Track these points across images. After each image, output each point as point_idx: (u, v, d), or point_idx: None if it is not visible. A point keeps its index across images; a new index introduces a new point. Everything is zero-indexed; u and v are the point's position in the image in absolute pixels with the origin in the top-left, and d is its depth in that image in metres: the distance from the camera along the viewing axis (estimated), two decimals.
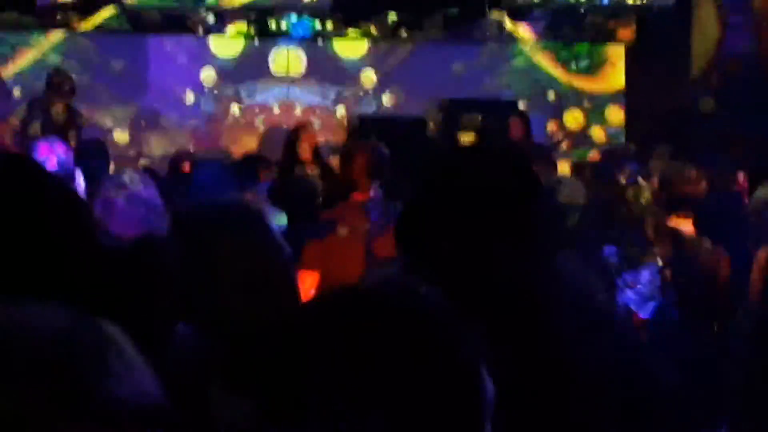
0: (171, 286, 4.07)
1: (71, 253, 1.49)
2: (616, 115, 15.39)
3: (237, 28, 14.67)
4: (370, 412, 1.42)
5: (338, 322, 1.51)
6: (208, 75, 14.85)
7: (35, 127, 10.76)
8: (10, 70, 14.23)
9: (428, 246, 2.37)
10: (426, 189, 2.47)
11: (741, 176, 8.94)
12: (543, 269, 2.35)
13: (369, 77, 15.18)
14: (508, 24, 14.97)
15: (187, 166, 9.75)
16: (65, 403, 0.87)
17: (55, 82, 11.18)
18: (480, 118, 12.55)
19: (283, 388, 1.46)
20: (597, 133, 15.36)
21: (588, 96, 15.50)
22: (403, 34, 14.99)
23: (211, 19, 14.42)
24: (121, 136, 14.56)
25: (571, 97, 15.46)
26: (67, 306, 0.95)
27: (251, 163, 9.02)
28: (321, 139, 11.84)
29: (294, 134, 10.23)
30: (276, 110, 15.01)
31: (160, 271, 4.09)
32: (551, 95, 15.45)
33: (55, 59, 14.05)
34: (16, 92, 13.99)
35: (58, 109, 11.01)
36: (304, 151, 9.92)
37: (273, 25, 14.74)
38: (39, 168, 1.62)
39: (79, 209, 1.55)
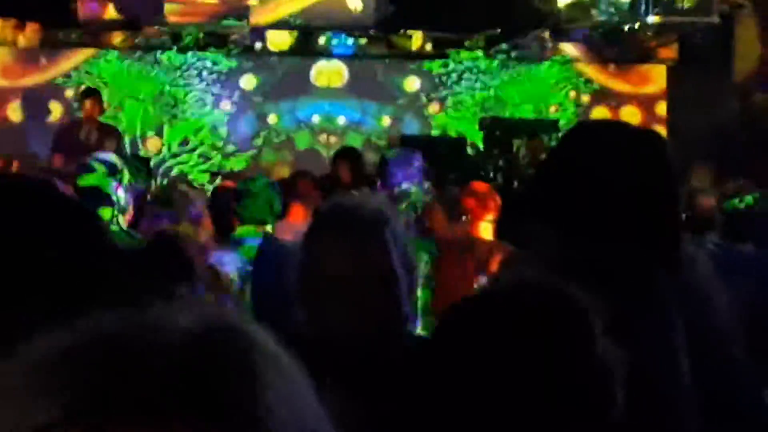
0: (188, 277, 4.09)
1: (85, 257, 1.50)
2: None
3: (277, 43, 14.73)
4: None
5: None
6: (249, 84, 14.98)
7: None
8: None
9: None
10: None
11: None
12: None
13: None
14: (551, 42, 14.95)
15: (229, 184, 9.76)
16: (212, 417, 0.78)
17: (85, 102, 11.26)
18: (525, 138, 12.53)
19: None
20: None
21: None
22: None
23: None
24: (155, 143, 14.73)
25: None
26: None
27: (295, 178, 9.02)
28: None
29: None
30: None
31: (176, 263, 4.13)
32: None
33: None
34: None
35: (88, 130, 11.08)
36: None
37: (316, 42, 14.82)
38: (43, 188, 1.63)
39: (85, 218, 1.57)
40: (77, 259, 1.49)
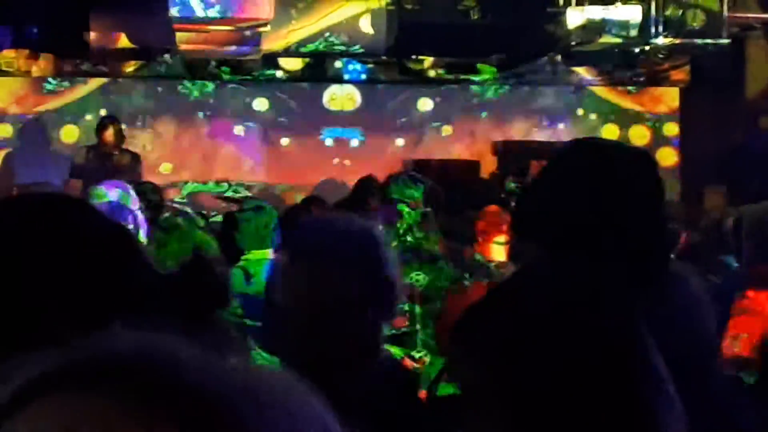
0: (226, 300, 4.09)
1: (125, 280, 1.50)
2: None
3: (291, 66, 14.79)
4: None
5: None
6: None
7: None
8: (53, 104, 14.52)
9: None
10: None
11: None
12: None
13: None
14: (563, 67, 14.91)
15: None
16: None
17: (104, 130, 11.42)
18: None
19: None
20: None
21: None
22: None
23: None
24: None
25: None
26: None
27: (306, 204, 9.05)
28: None
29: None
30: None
31: (213, 287, 4.13)
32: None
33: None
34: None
35: (108, 156, 11.24)
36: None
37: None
38: (83, 205, 1.63)
39: (125, 242, 1.56)
40: (119, 276, 1.48)
